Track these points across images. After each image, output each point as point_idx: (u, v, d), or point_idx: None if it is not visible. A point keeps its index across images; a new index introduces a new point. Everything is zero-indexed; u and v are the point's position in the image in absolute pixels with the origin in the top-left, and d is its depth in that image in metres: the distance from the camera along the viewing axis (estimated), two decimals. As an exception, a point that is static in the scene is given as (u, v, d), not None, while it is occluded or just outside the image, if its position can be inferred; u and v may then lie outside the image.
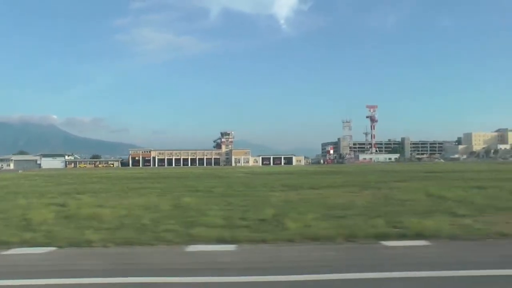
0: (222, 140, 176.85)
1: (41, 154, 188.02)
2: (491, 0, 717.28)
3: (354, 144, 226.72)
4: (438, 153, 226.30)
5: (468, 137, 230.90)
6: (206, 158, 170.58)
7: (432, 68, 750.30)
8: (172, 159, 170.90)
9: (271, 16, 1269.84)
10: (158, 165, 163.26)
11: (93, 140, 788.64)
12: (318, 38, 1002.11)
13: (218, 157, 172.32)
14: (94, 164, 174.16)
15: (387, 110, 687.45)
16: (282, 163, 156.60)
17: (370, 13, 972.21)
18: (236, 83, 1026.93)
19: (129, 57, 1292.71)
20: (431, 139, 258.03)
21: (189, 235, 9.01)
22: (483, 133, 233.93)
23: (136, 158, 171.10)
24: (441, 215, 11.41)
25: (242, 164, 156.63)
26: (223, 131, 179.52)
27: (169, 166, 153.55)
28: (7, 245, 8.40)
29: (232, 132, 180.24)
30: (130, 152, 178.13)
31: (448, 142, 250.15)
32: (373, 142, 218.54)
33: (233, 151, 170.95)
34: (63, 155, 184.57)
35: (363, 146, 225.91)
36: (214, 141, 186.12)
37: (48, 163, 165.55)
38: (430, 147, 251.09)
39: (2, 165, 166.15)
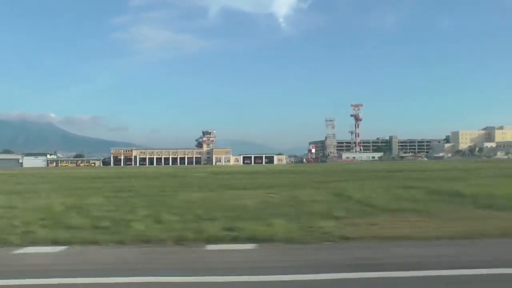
0: (204, 139, 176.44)
1: (23, 153, 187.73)
2: (491, 0, 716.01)
3: (340, 142, 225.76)
4: (426, 152, 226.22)
5: (455, 135, 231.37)
6: (188, 157, 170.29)
7: (428, 68, 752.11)
8: (153, 158, 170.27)
9: (271, 15, 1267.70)
10: (139, 164, 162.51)
11: (92, 139, 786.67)
12: (318, 37, 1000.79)
13: (199, 156, 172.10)
14: (76, 163, 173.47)
15: (384, 108, 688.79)
16: (264, 162, 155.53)
17: (369, 12, 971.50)
18: (236, 82, 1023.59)
19: (127, 56, 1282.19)
20: (425, 137, 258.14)
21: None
22: (470, 131, 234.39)
23: (118, 157, 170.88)
24: (310, 217, 11.28)
25: (223, 163, 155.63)
26: (204, 130, 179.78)
27: (150, 165, 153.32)
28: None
29: (214, 131, 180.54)
30: (111, 152, 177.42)
31: (436, 140, 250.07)
32: (358, 140, 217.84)
33: (214, 150, 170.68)
34: (45, 154, 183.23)
35: (350, 144, 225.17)
36: (196, 140, 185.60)
37: (30, 162, 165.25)
38: (418, 145, 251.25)
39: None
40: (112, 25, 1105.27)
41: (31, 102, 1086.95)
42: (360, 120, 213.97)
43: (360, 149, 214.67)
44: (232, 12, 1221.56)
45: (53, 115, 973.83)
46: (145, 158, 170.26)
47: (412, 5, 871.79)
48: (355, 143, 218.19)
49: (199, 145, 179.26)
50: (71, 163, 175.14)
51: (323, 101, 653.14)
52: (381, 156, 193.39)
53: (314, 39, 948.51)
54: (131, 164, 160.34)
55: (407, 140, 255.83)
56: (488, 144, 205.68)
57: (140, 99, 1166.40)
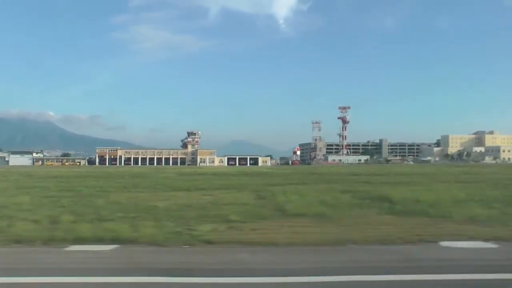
0: (188, 139, 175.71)
1: (10, 151, 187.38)
2: (490, 0, 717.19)
3: (330, 145, 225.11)
4: (416, 155, 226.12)
5: (445, 139, 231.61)
6: (173, 158, 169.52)
7: (428, 68, 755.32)
8: (138, 158, 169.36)
9: (271, 16, 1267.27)
10: (124, 163, 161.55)
11: (90, 137, 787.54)
12: (317, 38, 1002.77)
13: (184, 156, 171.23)
14: (61, 162, 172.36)
15: (377, 111, 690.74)
16: (248, 164, 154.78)
17: (369, 13, 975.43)
18: (235, 82, 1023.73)
19: (127, 55, 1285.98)
20: (417, 141, 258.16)
21: None
22: (460, 135, 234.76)
23: (104, 156, 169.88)
24: (201, 220, 11.48)
25: (207, 164, 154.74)
26: (189, 130, 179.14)
27: (135, 165, 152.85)
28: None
29: (199, 132, 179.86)
30: (96, 151, 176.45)
31: (426, 144, 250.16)
32: (344, 143, 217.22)
33: (198, 151, 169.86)
34: (31, 153, 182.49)
35: (338, 147, 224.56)
36: (181, 141, 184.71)
37: (16, 160, 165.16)
38: (408, 149, 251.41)
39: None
40: (112, 25, 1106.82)
41: (30, 101, 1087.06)
42: (348, 122, 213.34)
43: (347, 152, 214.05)
44: (232, 12, 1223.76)
45: (52, 113, 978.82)
46: (130, 158, 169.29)
47: (405, 7, 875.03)
48: (342, 145, 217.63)
49: (184, 145, 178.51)
50: (56, 161, 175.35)
51: (323, 102, 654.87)
52: (367, 159, 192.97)
53: (313, 40, 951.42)
54: (116, 164, 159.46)
55: (397, 143, 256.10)
56: (477, 149, 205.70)
57: (139, 98, 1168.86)
